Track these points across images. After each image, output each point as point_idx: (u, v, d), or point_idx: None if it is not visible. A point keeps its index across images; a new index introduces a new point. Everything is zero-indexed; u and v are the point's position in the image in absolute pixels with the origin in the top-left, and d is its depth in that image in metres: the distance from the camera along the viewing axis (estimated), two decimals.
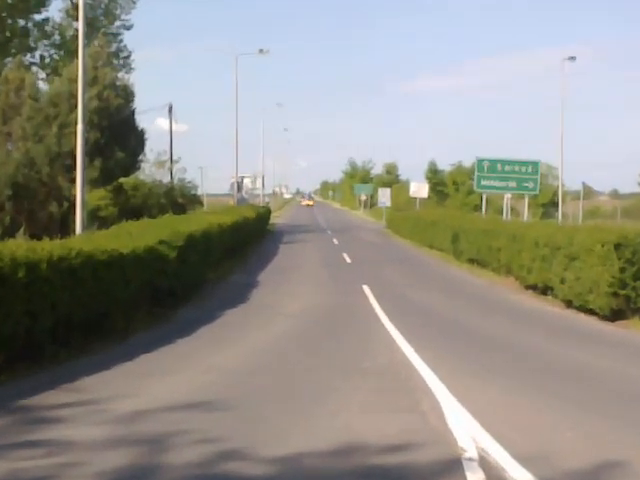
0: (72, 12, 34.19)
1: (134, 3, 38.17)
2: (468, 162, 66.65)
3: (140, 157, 31.50)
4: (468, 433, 5.61)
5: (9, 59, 33.29)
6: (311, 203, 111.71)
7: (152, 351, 9.36)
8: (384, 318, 12.24)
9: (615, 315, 13.11)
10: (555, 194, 51.27)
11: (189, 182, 40.31)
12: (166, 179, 38.87)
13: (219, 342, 10.22)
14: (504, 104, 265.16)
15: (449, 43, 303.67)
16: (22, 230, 22.84)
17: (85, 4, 16.97)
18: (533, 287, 16.84)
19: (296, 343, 10.19)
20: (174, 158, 40.60)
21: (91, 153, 23.42)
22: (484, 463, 4.90)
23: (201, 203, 43.92)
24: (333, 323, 12.08)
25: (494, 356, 9.23)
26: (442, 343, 10.19)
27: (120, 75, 31.26)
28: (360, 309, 13.55)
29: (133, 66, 38.07)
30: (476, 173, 29.83)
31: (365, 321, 12.16)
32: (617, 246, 13.02)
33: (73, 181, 19.76)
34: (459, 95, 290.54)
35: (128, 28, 38.25)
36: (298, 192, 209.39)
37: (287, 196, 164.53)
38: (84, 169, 16.61)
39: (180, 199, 37.69)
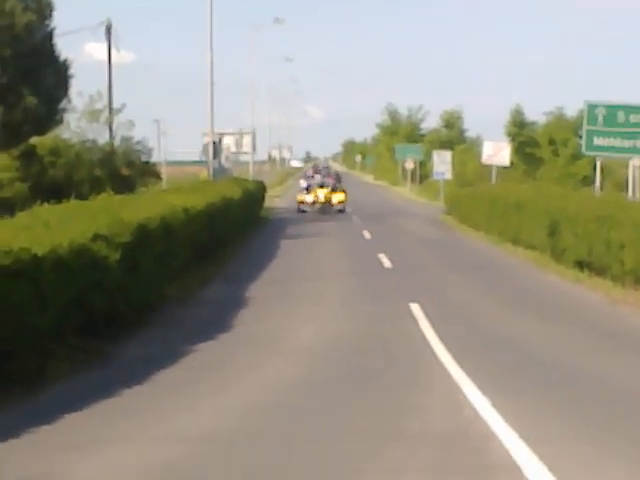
0: None
1: None
2: (573, 110, 66.51)
3: (62, 104, 31.66)
4: None
5: None
6: (336, 200, 48.72)
7: (80, 408, 9.47)
8: (444, 357, 12.26)
9: None
10: None
11: (138, 143, 40.46)
12: (103, 138, 39.06)
13: (185, 392, 10.37)
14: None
15: None
16: None
17: None
18: None
19: (304, 398, 10.25)
20: (115, 106, 40.68)
21: None
22: None
23: (158, 176, 44.04)
24: (362, 365, 12.16)
25: None
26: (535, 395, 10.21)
27: None
28: (406, 343, 13.72)
29: None
30: (585, 127, 29.66)
31: (413, 361, 12.30)
32: None
33: None
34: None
35: None
36: (309, 158, 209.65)
37: (296, 164, 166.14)
38: None
39: (125, 169, 37.75)
